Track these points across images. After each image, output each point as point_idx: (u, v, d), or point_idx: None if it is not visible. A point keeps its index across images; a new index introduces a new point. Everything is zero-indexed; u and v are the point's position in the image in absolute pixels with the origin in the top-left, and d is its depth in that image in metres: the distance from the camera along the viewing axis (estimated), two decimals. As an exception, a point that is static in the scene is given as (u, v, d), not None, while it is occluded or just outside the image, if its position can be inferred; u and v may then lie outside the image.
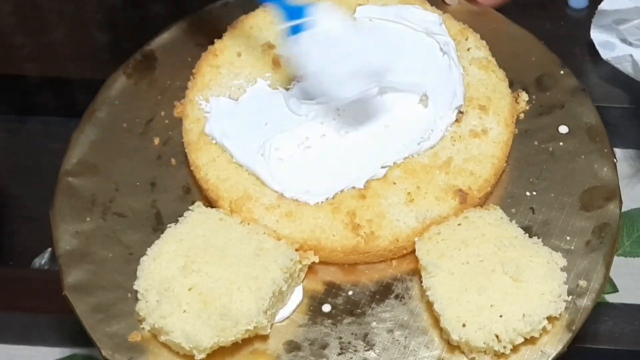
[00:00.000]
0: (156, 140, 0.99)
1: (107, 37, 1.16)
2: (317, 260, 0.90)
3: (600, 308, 0.99)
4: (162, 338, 0.86)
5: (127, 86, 1.03)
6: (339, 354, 0.87)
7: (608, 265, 0.90)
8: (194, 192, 0.96)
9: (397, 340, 0.87)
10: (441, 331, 0.87)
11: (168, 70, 1.04)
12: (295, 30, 0.92)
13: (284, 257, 0.88)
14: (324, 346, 0.87)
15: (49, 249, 1.11)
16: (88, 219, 0.94)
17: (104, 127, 1.00)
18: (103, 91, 1.02)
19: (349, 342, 0.87)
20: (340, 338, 0.88)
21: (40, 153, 1.08)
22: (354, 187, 0.92)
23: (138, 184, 0.97)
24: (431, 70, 0.98)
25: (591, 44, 1.16)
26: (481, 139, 0.94)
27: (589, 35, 1.16)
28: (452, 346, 0.86)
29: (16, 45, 1.06)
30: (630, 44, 1.14)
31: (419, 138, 0.94)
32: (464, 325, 0.84)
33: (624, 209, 0.95)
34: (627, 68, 1.13)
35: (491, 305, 0.85)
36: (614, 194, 0.93)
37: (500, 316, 0.84)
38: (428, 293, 0.87)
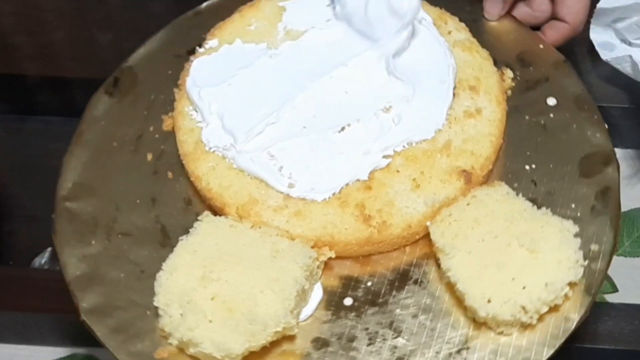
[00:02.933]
0: (149, 156, 0.99)
1: (107, 37, 1.16)
2: (333, 256, 0.90)
3: (600, 308, 1.00)
4: (191, 350, 0.85)
5: (111, 105, 1.02)
6: (369, 345, 0.87)
7: (616, 227, 0.91)
8: (196, 203, 0.96)
9: (423, 324, 0.88)
10: (465, 310, 0.88)
11: (150, 84, 1.03)
12: None
13: (302, 255, 0.88)
14: (352, 339, 0.87)
15: (49, 249, 1.10)
16: (93, 242, 0.93)
17: (94, 148, 0.99)
18: (87, 112, 1.01)
19: (376, 332, 0.88)
20: (367, 329, 0.88)
21: (40, 153, 1.08)
22: (358, 180, 0.92)
23: (138, 201, 0.96)
24: (419, 51, 0.99)
25: (591, 44, 1.16)
26: (476, 118, 0.95)
27: (588, 35, 1.16)
28: (478, 323, 0.87)
29: (16, 45, 1.06)
30: (630, 44, 1.15)
31: (418, 123, 0.95)
32: (489, 301, 0.85)
33: (624, 209, 0.96)
34: (626, 68, 1.14)
35: (513, 279, 0.86)
36: (610, 158, 0.95)
37: (524, 288, 0.85)
38: (449, 274, 0.87)
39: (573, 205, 0.93)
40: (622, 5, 1.13)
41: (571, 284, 0.86)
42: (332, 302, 0.90)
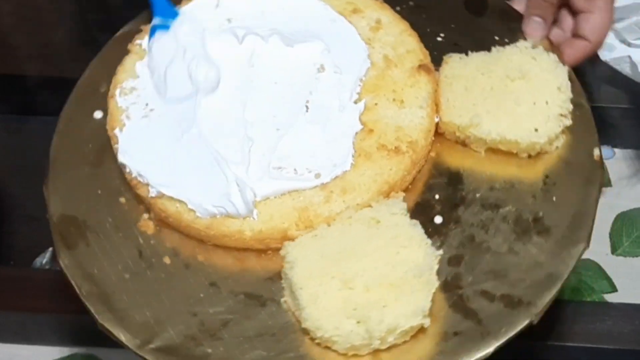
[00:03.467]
0: (166, 259, 0.95)
1: (107, 37, 1.08)
2: (404, 194, 0.94)
3: (599, 308, 1.04)
4: (390, 339, 0.86)
5: (80, 254, 0.95)
6: (487, 231, 0.93)
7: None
8: (245, 258, 0.94)
9: (503, 187, 0.95)
10: (517, 156, 0.97)
11: (98, 224, 0.97)
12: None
13: (393, 206, 0.92)
14: (472, 238, 0.93)
15: (50, 249, 1.10)
16: (221, 348, 0.89)
17: (112, 296, 0.92)
18: (65, 269, 0.93)
19: (481, 220, 0.94)
20: (472, 224, 0.94)
21: (40, 153, 1.00)
22: (357, 132, 0.97)
23: (202, 295, 0.92)
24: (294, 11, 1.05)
25: None
26: (383, 28, 1.03)
27: None
28: (536, 155, 0.97)
29: (16, 45, 1.04)
30: (629, 45, 1.17)
31: (351, 60, 1.01)
32: (536, 130, 0.95)
33: (623, 209, 1.04)
34: (625, 69, 1.15)
35: (534, 103, 0.96)
36: None
37: (547, 102, 0.96)
38: (492, 136, 0.95)
39: (496, 37, 1.04)
40: (621, 5, 1.15)
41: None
42: (429, 229, 0.93)
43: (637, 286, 1.10)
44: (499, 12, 1.07)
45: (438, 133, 0.99)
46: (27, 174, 1.14)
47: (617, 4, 1.11)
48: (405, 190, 0.96)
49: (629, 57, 1.14)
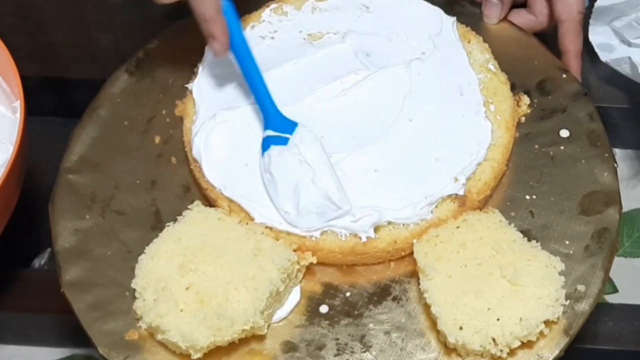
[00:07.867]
0: (157, 139, 0.99)
1: (107, 37, 1.16)
2: (315, 261, 0.90)
3: (600, 308, 0.98)
4: (159, 337, 0.86)
5: (129, 84, 1.03)
6: (336, 355, 0.87)
7: (606, 270, 0.89)
8: (194, 191, 0.96)
9: (394, 342, 0.87)
10: (438, 334, 0.87)
11: (170, 68, 1.04)
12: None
13: (282, 257, 0.88)
14: (321, 347, 0.87)
15: (49, 249, 1.10)
16: (87, 216, 0.95)
17: (105, 125, 1.00)
18: (105, 89, 1.02)
19: (346, 344, 0.87)
20: (337, 339, 0.87)
21: (40, 153, 1.07)
22: None
23: (138, 182, 0.97)
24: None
25: (591, 45, 1.14)
26: None
27: (588, 36, 1.14)
28: (448, 349, 0.86)
29: (16, 45, 1.04)
30: (629, 44, 1.12)
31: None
32: (460, 328, 0.84)
33: (624, 210, 0.95)
34: (625, 70, 1.12)
35: (488, 309, 0.85)
36: (613, 199, 0.93)
37: (498, 320, 0.84)
38: (425, 295, 0.86)
39: (567, 242, 0.91)
40: (619, 2, 1.11)
41: (548, 322, 0.85)
42: (309, 308, 0.89)
43: (638, 287, 1.07)
44: (600, 228, 0.92)
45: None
46: (27, 173, 1.10)
47: (616, 1, 1.11)
48: (339, 269, 0.92)
49: (629, 57, 1.10)
